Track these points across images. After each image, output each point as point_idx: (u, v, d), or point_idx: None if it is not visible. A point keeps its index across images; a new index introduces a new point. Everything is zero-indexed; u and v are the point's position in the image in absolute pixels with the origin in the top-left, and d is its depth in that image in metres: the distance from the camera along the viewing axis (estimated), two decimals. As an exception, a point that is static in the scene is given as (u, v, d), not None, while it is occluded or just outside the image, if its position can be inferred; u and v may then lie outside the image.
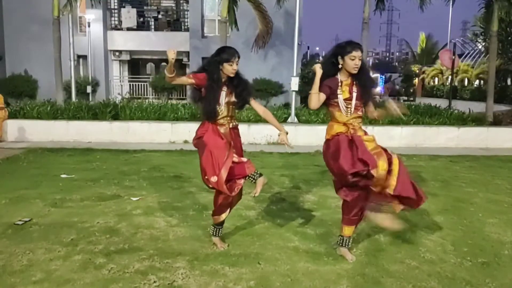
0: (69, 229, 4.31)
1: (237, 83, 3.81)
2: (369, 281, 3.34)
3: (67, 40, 15.73)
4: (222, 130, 3.77)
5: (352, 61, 3.57)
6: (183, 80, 3.78)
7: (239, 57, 3.77)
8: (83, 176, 6.71)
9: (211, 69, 3.73)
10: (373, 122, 11.11)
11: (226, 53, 3.73)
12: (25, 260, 3.58)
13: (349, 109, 3.64)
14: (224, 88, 3.77)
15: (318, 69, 3.65)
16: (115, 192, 5.79)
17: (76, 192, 5.73)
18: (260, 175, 3.69)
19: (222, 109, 3.76)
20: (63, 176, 6.67)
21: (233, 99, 3.80)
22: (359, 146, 3.50)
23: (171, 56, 3.58)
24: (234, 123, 3.88)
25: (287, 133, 3.92)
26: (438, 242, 4.14)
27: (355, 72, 3.61)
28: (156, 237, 4.15)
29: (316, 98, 3.63)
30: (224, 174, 3.51)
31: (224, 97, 3.75)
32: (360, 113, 3.71)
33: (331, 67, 3.68)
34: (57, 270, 3.42)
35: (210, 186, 3.64)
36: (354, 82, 3.67)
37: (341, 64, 3.63)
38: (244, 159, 3.73)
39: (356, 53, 3.55)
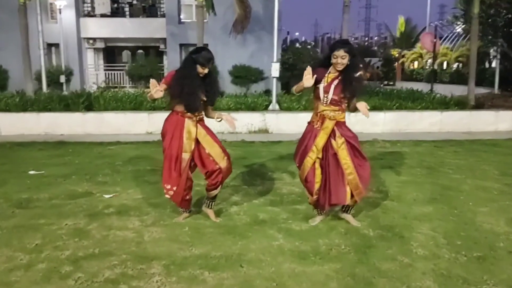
0: (34, 233, 3.96)
1: (208, 82, 4.01)
2: (360, 283, 3.10)
3: (36, 28, 15.02)
4: (189, 123, 4.00)
5: (335, 59, 3.81)
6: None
7: (213, 63, 3.97)
8: (53, 172, 6.31)
9: (188, 66, 3.91)
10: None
11: (202, 58, 3.87)
12: (-19, 271, 3.23)
13: (326, 98, 3.88)
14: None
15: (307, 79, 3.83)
16: (87, 189, 5.43)
17: (45, 190, 5.35)
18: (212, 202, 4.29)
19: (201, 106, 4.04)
20: (31, 172, 6.26)
21: (203, 97, 4.00)
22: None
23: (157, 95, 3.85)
24: (200, 116, 4.10)
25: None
26: (430, 235, 3.93)
27: (339, 69, 3.84)
28: (129, 239, 3.84)
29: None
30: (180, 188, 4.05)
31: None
32: (334, 106, 3.91)
33: (327, 61, 3.90)
34: (18, 281, 3.08)
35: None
36: (339, 78, 3.86)
37: (332, 60, 3.86)
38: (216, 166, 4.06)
39: (337, 52, 3.78)
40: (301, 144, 4.09)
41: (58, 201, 4.94)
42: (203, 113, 4.14)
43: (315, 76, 3.85)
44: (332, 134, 3.94)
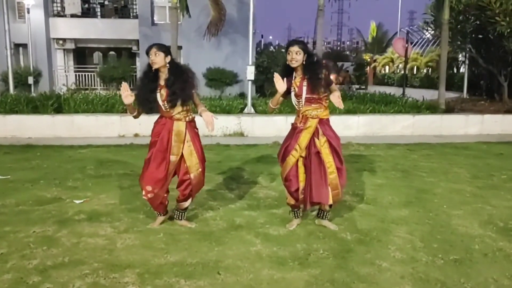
0: (-1, 241, 3.77)
1: (171, 82, 3.81)
2: (340, 288, 3.06)
3: (3, 27, 14.52)
4: (179, 125, 3.88)
5: (289, 56, 3.80)
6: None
7: (161, 50, 3.75)
8: (20, 176, 6.06)
9: (146, 66, 3.86)
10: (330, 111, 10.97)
11: (147, 47, 3.80)
12: None
13: (300, 103, 3.90)
14: (160, 86, 3.83)
15: (279, 84, 3.82)
16: (56, 194, 5.22)
17: (11, 195, 5.12)
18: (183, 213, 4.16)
19: (166, 106, 3.85)
20: (-4, 177, 6.00)
21: (166, 97, 3.80)
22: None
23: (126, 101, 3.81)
24: (190, 117, 3.95)
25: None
26: (407, 239, 3.94)
27: (294, 65, 3.81)
28: (101, 246, 3.69)
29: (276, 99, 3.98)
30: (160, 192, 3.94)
31: (158, 95, 3.81)
32: (315, 105, 3.89)
33: (288, 68, 3.88)
34: (-19, 294, 2.91)
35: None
36: (306, 78, 3.84)
37: (287, 58, 3.84)
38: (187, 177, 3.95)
39: (292, 48, 3.78)
40: (284, 142, 4.07)
41: (25, 207, 4.73)
42: (192, 114, 4.00)
43: (285, 79, 3.84)
44: (315, 133, 3.91)
